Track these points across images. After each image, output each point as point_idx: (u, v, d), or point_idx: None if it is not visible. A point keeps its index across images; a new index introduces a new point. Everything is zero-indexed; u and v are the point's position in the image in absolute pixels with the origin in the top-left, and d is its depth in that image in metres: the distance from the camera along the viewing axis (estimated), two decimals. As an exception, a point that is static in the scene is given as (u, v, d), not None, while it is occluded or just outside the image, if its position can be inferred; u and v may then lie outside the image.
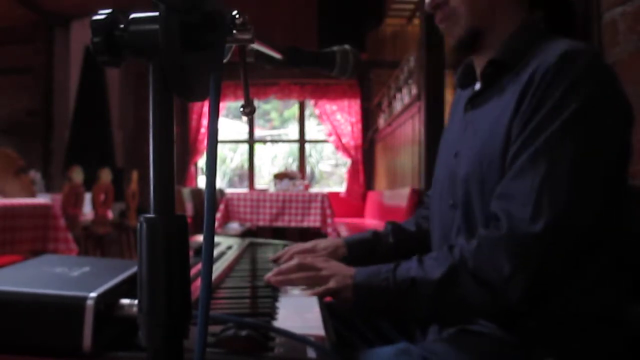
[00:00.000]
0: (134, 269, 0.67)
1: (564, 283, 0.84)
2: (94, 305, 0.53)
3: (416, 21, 4.36)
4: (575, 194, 0.79)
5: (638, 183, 1.20)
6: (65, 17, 6.28)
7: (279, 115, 9.51)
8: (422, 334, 1.05)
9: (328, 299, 0.93)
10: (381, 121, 5.70)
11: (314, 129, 7.72)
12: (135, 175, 5.12)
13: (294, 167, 7.58)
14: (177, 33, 0.40)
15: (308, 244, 1.18)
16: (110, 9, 0.42)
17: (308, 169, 7.46)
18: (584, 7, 1.53)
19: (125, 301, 0.58)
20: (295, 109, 7.64)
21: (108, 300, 0.56)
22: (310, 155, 8.65)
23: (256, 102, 6.54)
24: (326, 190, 6.97)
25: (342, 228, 4.85)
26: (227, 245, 1.37)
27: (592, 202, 0.81)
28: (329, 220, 5.27)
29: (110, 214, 4.73)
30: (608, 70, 0.86)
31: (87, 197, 4.45)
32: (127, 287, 0.61)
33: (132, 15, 0.42)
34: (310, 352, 0.60)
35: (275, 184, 6.00)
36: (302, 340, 0.62)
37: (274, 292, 0.93)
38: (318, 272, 0.96)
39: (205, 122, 6.45)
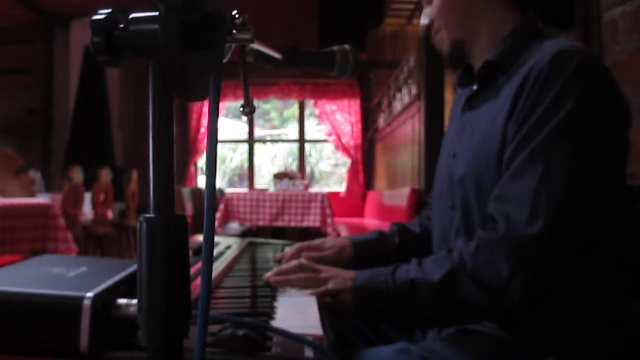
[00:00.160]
0: (132, 269, 0.67)
1: (563, 283, 0.83)
2: (91, 305, 0.53)
3: (416, 21, 4.36)
4: (572, 195, 0.79)
5: (638, 183, 1.20)
6: (65, 17, 6.27)
7: (279, 115, 9.50)
8: (422, 333, 1.05)
9: (327, 299, 0.93)
10: (381, 121, 5.70)
11: (314, 129, 7.71)
12: (135, 175, 5.12)
13: (294, 167, 7.57)
14: (177, 33, 0.40)
15: (314, 242, 1.16)
16: (110, 9, 0.42)
17: (308, 169, 7.45)
18: (584, 7, 1.53)
19: (123, 301, 0.58)
20: (295, 109, 7.64)
21: (105, 300, 0.56)
22: (310, 155, 8.64)
23: (256, 102, 6.54)
24: (326, 190, 6.96)
25: (342, 228, 4.85)
26: (226, 245, 1.37)
27: (589, 202, 0.81)
28: (329, 220, 5.26)
29: (110, 214, 4.73)
30: (603, 70, 0.86)
31: (87, 197, 4.46)
32: (125, 287, 0.61)
33: (132, 15, 0.42)
34: (308, 352, 0.60)
35: (275, 184, 5.99)
36: (300, 340, 0.62)
37: (272, 292, 0.93)
38: (318, 274, 0.96)
39: (205, 122, 6.45)
